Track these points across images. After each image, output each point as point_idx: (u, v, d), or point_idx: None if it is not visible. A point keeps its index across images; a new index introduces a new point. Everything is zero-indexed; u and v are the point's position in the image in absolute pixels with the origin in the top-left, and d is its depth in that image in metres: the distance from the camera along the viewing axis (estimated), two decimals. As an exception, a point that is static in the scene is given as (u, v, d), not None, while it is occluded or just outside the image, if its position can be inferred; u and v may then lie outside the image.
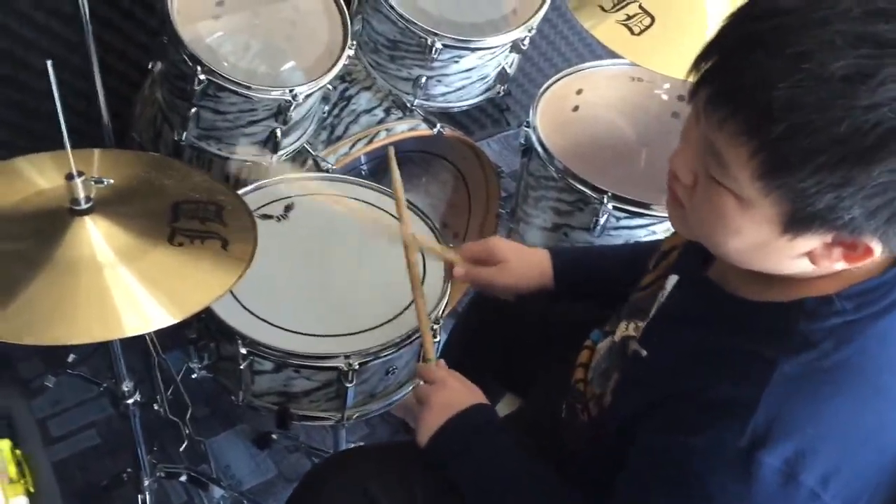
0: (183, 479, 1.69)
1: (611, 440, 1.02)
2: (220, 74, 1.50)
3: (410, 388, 1.51)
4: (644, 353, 1.00)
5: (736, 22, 0.79)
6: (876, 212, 0.74)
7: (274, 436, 1.94)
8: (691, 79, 0.81)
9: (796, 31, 0.72)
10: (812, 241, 0.79)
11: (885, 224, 0.75)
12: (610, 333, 1.12)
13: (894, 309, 0.84)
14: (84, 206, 1.08)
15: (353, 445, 1.80)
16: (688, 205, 0.88)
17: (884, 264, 0.83)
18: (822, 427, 0.81)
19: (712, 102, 0.78)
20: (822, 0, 0.73)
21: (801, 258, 0.82)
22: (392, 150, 1.48)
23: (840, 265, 0.81)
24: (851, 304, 0.83)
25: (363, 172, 2.03)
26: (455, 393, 1.15)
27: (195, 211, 1.17)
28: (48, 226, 1.08)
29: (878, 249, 0.78)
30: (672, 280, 1.04)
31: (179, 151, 1.78)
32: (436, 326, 1.41)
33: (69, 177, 1.06)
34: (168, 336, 1.48)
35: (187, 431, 1.78)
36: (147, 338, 1.74)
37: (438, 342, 1.44)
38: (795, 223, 0.77)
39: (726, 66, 0.77)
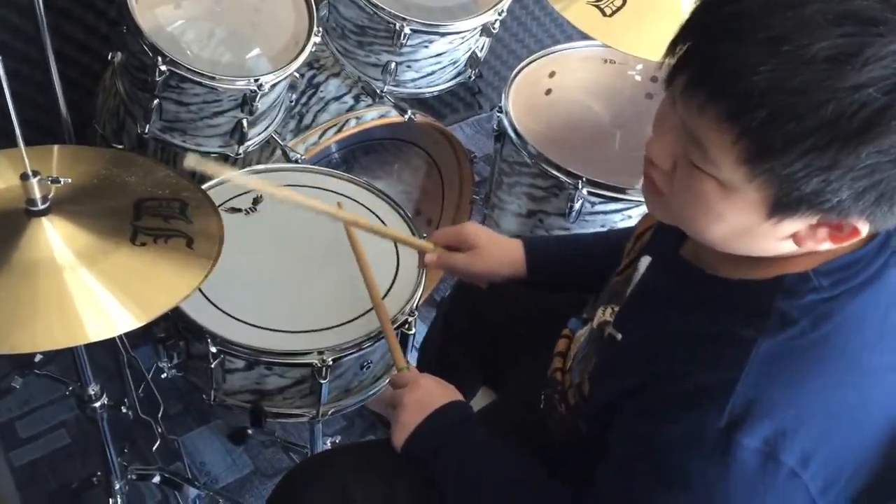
0: (156, 480, 1.65)
1: (590, 428, 1.01)
2: (182, 65, 1.46)
3: (386, 381, 1.49)
4: (619, 336, 0.98)
5: (709, 5, 0.77)
6: (864, 193, 0.73)
7: (249, 431, 1.91)
8: (665, 64, 0.79)
9: (772, 13, 0.70)
10: (797, 224, 0.78)
11: (873, 205, 0.74)
12: (588, 320, 1.11)
13: (871, 284, 0.83)
14: (41, 206, 1.04)
15: (329, 440, 1.77)
16: (667, 191, 0.86)
17: (858, 241, 0.82)
18: (802, 406, 0.80)
19: (690, 89, 0.76)
20: None
21: (786, 240, 0.81)
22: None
23: (826, 245, 0.80)
24: (828, 280, 0.82)
25: (334, 161, 2.00)
26: (428, 392, 1.13)
27: (158, 208, 1.13)
28: (4, 228, 1.04)
29: (864, 229, 0.78)
30: (645, 261, 1.03)
31: (143, 144, 1.73)
32: (410, 319, 1.39)
33: (24, 176, 1.02)
34: (139, 333, 1.43)
35: (160, 430, 1.75)
36: (116, 337, 1.69)
37: (414, 335, 1.42)
38: (781, 207, 0.76)
39: (702, 52, 0.75)
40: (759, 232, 0.80)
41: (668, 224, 0.92)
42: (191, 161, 1.19)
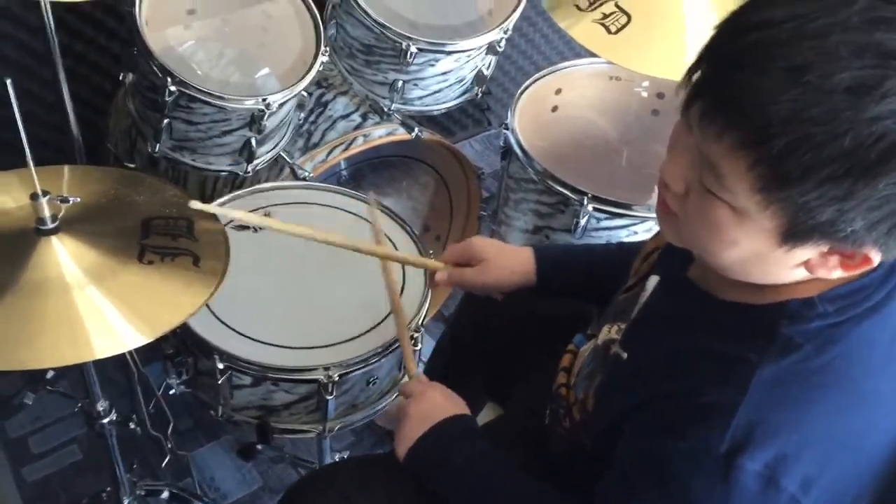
0: (164, 496, 1.66)
1: (594, 444, 1.01)
2: (191, 85, 1.48)
3: (393, 396, 1.50)
4: (625, 355, 0.99)
5: (727, 33, 0.77)
6: (878, 223, 0.73)
7: (259, 447, 1.91)
8: (682, 90, 0.79)
9: (792, 43, 0.70)
10: (809, 252, 0.78)
11: (886, 235, 0.74)
12: (593, 337, 1.11)
13: (878, 311, 0.83)
14: (50, 225, 1.06)
15: (338, 455, 1.78)
16: (680, 214, 0.86)
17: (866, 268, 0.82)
18: (804, 432, 0.80)
19: (707, 115, 0.75)
20: (816, 10, 0.71)
21: (797, 268, 0.81)
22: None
23: (837, 273, 0.80)
24: (833, 306, 0.82)
25: (343, 178, 2.01)
26: (433, 403, 1.13)
27: (166, 227, 1.15)
28: (14, 247, 1.06)
29: (877, 259, 0.78)
30: (653, 281, 1.03)
31: (155, 163, 1.75)
32: (416, 335, 1.40)
33: (34, 196, 1.03)
34: (149, 349, 1.45)
35: (169, 446, 1.76)
36: (126, 353, 1.71)
37: (420, 350, 1.43)
38: (794, 235, 0.76)
39: (721, 79, 0.75)
40: (771, 259, 0.80)
41: (676, 245, 0.92)
42: (196, 204, 1.19)
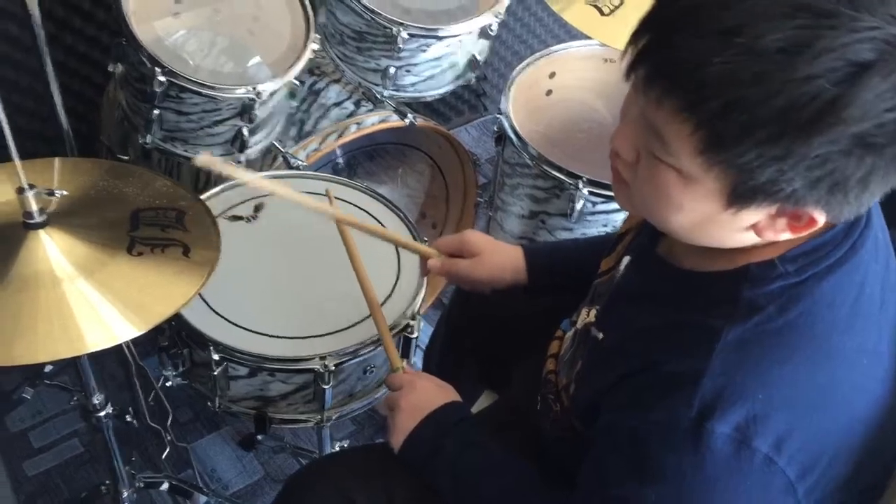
0: (164, 487, 1.66)
1: (580, 429, 1.01)
2: (180, 75, 1.47)
3: (389, 386, 1.49)
4: (601, 335, 0.99)
5: None
6: (817, 182, 0.73)
7: (259, 437, 1.92)
8: (627, 56, 0.80)
9: (727, 5, 0.71)
10: (756, 214, 0.79)
11: (828, 194, 0.75)
12: (575, 322, 1.11)
13: (841, 266, 0.83)
14: (38, 219, 1.05)
15: (339, 444, 1.78)
16: (631, 182, 0.87)
17: (825, 225, 0.82)
18: (772, 391, 0.80)
19: (649, 81, 0.76)
20: None
21: (746, 231, 0.82)
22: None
23: (785, 235, 0.81)
24: (794, 266, 0.83)
25: (338, 166, 2.00)
26: (425, 394, 1.13)
27: (155, 218, 1.14)
28: (2, 241, 1.05)
29: (821, 219, 0.78)
30: (625, 261, 1.04)
31: (148, 154, 1.75)
32: (412, 322, 1.39)
33: (20, 190, 1.03)
34: (148, 342, 1.46)
35: (169, 438, 1.76)
36: (124, 346, 1.71)
37: (417, 338, 1.42)
38: (738, 197, 0.77)
39: (659, 44, 0.76)
40: (718, 222, 0.81)
41: (647, 224, 0.93)
42: (200, 160, 1.19)
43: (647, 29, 0.77)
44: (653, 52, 0.76)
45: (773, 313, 0.82)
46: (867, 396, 0.85)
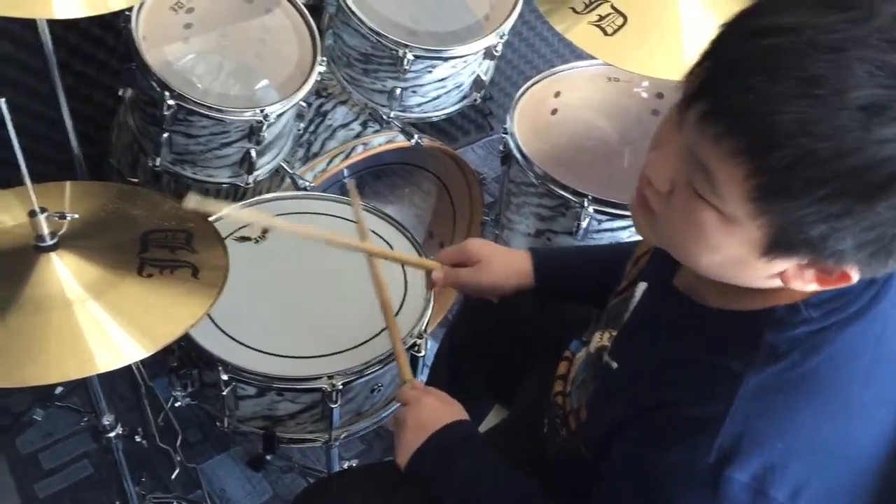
0: (174, 507, 1.67)
1: (591, 454, 1.00)
2: (188, 98, 1.49)
3: (398, 404, 1.50)
4: (615, 365, 0.98)
5: (735, 34, 0.74)
6: (866, 245, 0.71)
7: (268, 457, 1.92)
8: (682, 87, 0.77)
9: (808, 53, 0.68)
10: (788, 263, 0.76)
11: (870, 256, 0.73)
12: (586, 344, 1.11)
13: (863, 315, 0.82)
14: (49, 242, 1.07)
15: (347, 463, 1.78)
16: (660, 212, 0.83)
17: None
18: (791, 441, 0.79)
19: (707, 118, 0.72)
20: (835, 22, 0.68)
21: (772, 277, 0.79)
22: (351, 183, 1.44)
23: (812, 287, 0.78)
24: (818, 311, 0.81)
25: (345, 187, 2.02)
26: (431, 411, 1.13)
27: (164, 240, 1.15)
28: (15, 264, 1.07)
29: (855, 277, 0.76)
30: (641, 287, 1.02)
31: (157, 177, 1.76)
32: (419, 341, 1.40)
33: (32, 213, 1.04)
34: (157, 363, 1.47)
35: (178, 458, 1.76)
36: (133, 367, 1.72)
37: (424, 356, 1.43)
38: (779, 247, 0.74)
39: (726, 83, 0.72)
40: (749, 265, 0.78)
41: (661, 251, 0.90)
42: (191, 202, 1.20)
43: (715, 63, 0.74)
44: (718, 89, 0.72)
45: (796, 360, 0.80)
46: (883, 447, 0.84)
